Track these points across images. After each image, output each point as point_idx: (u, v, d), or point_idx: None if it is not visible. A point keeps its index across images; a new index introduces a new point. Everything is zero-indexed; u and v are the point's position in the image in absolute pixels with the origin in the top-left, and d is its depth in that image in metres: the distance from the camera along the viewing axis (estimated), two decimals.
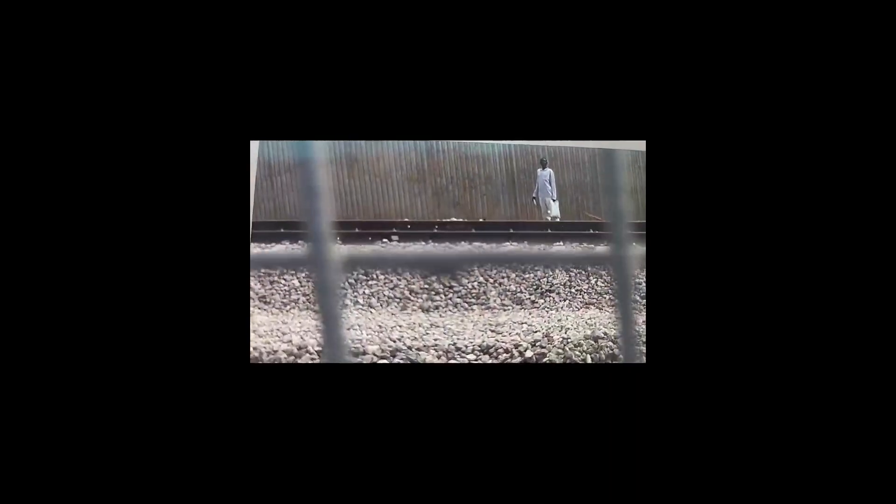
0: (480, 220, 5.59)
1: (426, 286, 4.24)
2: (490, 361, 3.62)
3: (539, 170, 7.00)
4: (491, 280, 4.20)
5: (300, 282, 4.21)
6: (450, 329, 3.85)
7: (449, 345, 3.71)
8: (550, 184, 7.15)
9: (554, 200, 7.16)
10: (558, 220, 6.51)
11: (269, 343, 3.76)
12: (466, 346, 3.68)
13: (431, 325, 3.92)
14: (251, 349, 3.62)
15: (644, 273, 3.71)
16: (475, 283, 4.18)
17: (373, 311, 4.12)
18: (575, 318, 3.94)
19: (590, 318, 3.94)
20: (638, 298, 3.50)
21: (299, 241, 4.98)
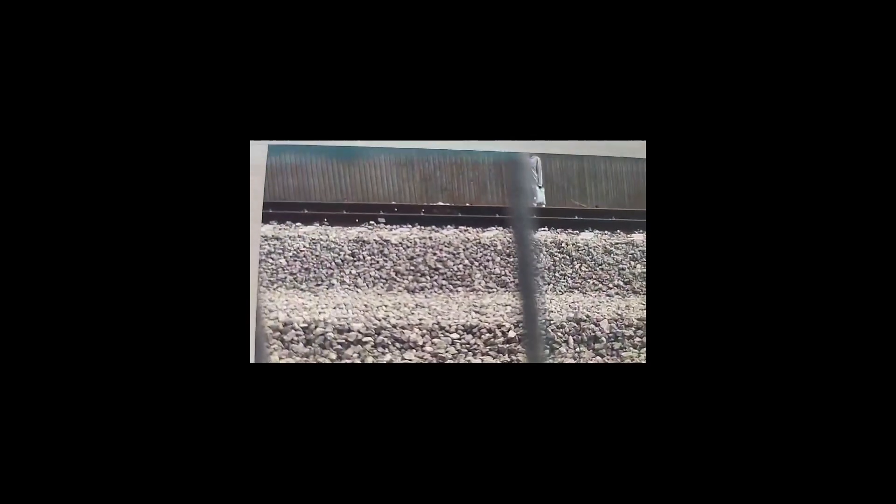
0: (467, 204, 5.64)
1: (412, 268, 4.29)
2: (473, 340, 3.69)
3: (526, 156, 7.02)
4: (476, 263, 4.27)
5: (287, 261, 4.23)
6: (435, 309, 3.90)
7: (433, 324, 3.77)
8: (537, 171, 7.19)
9: (540, 187, 7.21)
10: (543, 206, 6.55)
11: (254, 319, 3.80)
12: (451, 326, 3.74)
13: (417, 305, 3.97)
14: None
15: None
16: (460, 266, 4.22)
17: (359, 290, 4.16)
18: (558, 302, 4.00)
19: (573, 302, 4.01)
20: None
21: (287, 222, 4.99)
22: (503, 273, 4.14)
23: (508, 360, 3.59)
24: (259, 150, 2.26)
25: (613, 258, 4.61)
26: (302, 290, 4.22)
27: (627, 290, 3.75)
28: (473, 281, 4.12)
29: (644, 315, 3.14)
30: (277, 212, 4.69)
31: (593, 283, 4.41)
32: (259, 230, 2.24)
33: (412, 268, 4.26)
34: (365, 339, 3.69)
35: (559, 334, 3.82)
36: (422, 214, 5.06)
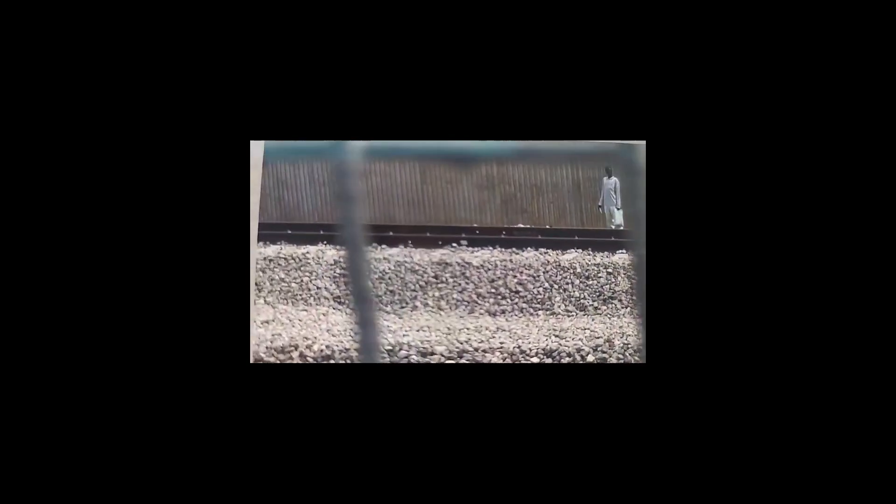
0: (546, 226, 5.65)
1: (493, 291, 4.34)
2: (550, 362, 3.69)
3: (604, 178, 7.03)
4: (556, 286, 4.28)
5: (372, 283, 4.34)
6: (515, 333, 3.93)
7: (514, 348, 3.79)
8: (615, 192, 7.16)
9: (618, 209, 7.18)
10: (622, 228, 6.51)
11: (341, 342, 3.90)
12: (531, 350, 3.76)
13: (498, 328, 4.01)
14: (325, 347, 3.78)
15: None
16: (540, 290, 4.25)
17: (442, 313, 4.23)
18: (636, 325, 3.98)
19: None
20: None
21: (373, 244, 5.11)
22: (582, 296, 4.14)
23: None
24: (256, 149, 2.28)
25: None
26: (387, 311, 4.31)
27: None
28: (553, 304, 4.15)
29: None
30: (296, 233, 4.81)
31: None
32: (258, 229, 2.29)
33: (493, 290, 4.31)
34: (448, 362, 3.73)
35: (636, 358, 3.78)
36: (503, 237, 5.11)
